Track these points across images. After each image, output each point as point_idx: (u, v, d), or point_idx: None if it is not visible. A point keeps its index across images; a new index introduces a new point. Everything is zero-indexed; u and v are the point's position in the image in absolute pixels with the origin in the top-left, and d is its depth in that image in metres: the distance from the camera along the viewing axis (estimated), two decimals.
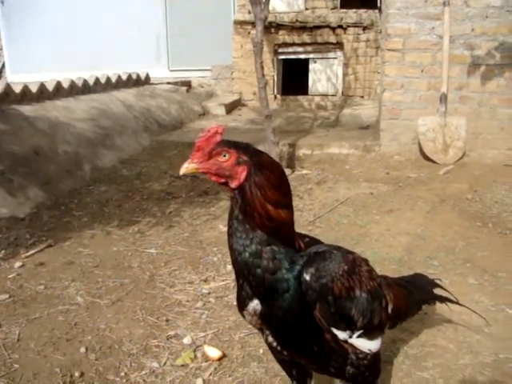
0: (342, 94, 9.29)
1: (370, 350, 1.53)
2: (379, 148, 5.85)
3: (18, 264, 3.19)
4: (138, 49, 10.50)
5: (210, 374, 2.15)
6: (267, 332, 1.50)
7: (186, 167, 1.38)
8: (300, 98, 9.51)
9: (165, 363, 2.23)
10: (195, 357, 2.27)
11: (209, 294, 2.84)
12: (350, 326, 1.46)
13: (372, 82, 8.93)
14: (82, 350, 2.30)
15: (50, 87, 6.01)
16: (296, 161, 5.67)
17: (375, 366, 1.57)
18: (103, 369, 2.19)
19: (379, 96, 6.58)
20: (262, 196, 1.35)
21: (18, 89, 5.51)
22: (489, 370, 2.12)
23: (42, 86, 5.87)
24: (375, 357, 1.56)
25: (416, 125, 5.51)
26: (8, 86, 5.39)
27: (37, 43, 10.87)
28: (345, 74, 9.21)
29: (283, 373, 1.78)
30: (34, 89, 5.73)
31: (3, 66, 12.30)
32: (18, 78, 10.11)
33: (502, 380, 2.06)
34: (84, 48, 10.48)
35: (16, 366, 2.20)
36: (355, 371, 1.52)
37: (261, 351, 2.28)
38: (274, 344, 1.52)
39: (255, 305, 1.43)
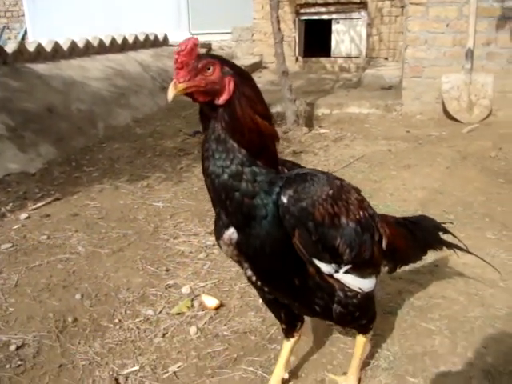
0: (366, 56, 8.96)
1: (360, 288, 1.40)
2: (401, 107, 5.63)
3: (23, 216, 3.16)
4: (159, 12, 10.30)
5: (205, 323, 2.08)
6: (246, 265, 1.38)
7: (174, 89, 1.19)
8: (322, 59, 9.21)
9: (160, 311, 2.17)
10: (192, 306, 2.20)
11: (213, 245, 2.75)
12: (335, 259, 1.33)
13: (397, 43, 8.58)
14: (78, 296, 2.26)
15: (65, 46, 5.92)
16: (314, 120, 5.50)
17: (367, 307, 1.45)
18: (97, 315, 2.13)
19: (402, 54, 6.31)
20: (252, 108, 1.24)
21: (32, 47, 5.43)
22: (500, 323, 1.99)
23: (57, 45, 5.78)
24: (367, 297, 1.43)
25: (440, 83, 5.26)
26: (22, 45, 5.32)
27: (57, 8, 10.78)
28: (369, 35, 8.86)
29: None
30: (48, 48, 5.64)
31: (25, 31, 12.30)
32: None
33: None
34: (104, 11, 10.35)
35: (11, 309, 2.17)
36: (343, 310, 1.39)
37: (260, 301, 2.18)
38: (254, 278, 1.40)
39: (231, 233, 1.31)
